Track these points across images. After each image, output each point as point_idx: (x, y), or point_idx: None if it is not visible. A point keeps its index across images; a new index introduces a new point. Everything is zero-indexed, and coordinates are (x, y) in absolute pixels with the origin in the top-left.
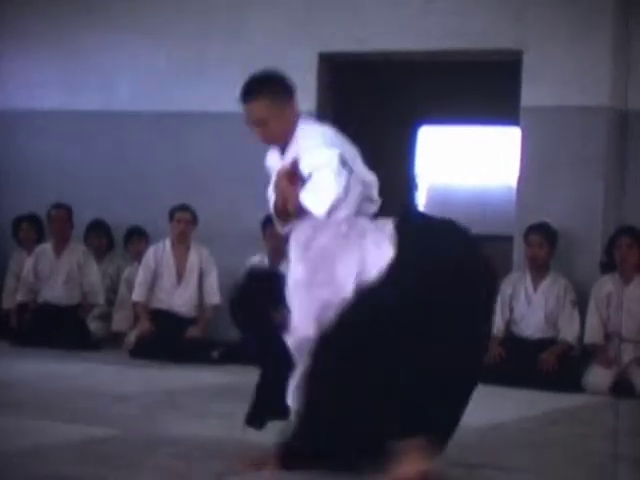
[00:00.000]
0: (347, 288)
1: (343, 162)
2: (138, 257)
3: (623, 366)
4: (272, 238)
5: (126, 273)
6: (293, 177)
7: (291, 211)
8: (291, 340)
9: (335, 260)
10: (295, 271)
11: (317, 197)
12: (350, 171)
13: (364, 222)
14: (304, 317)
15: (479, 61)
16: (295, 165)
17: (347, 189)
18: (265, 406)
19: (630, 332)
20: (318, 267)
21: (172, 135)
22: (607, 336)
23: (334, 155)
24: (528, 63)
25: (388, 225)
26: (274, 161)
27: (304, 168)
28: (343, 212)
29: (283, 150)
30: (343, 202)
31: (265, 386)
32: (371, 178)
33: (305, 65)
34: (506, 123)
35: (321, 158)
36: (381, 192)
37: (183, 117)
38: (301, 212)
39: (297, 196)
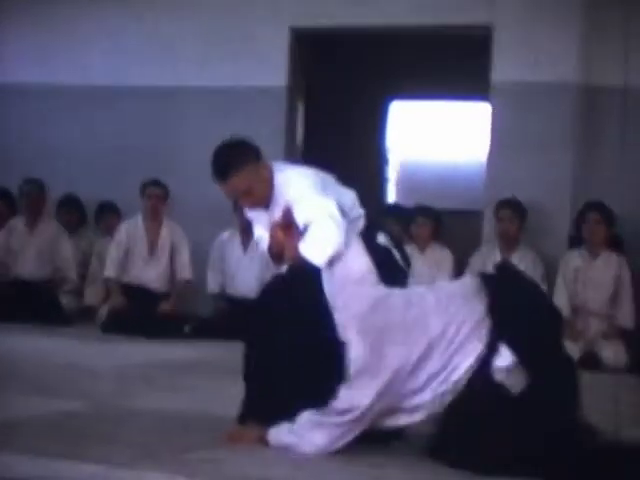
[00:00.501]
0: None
1: (341, 210)
2: (110, 232)
3: (590, 339)
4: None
5: (98, 248)
6: (288, 228)
7: (288, 260)
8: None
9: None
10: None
11: (317, 248)
12: (346, 217)
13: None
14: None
15: (450, 36)
16: (288, 215)
17: (347, 238)
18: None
19: (597, 306)
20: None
21: (144, 110)
22: (574, 310)
23: (331, 205)
24: (498, 39)
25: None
26: (257, 214)
27: (299, 219)
28: (356, 260)
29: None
30: (343, 253)
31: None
32: (350, 197)
33: (276, 40)
34: (476, 98)
35: (318, 209)
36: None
37: (155, 92)
38: (300, 261)
39: (295, 247)
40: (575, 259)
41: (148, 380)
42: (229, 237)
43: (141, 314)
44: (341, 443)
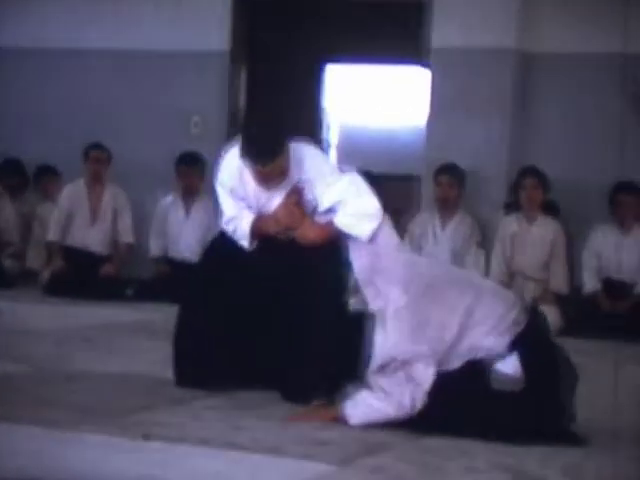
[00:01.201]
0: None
1: None
2: (49, 196)
3: None
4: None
5: (39, 211)
6: (298, 205)
7: (301, 235)
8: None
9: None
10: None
11: (363, 222)
12: None
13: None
14: (401, 339)
15: (389, 1)
16: (299, 192)
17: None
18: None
19: (533, 270)
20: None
21: (86, 73)
22: (511, 274)
23: (359, 179)
24: (437, 4)
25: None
26: (250, 188)
27: (329, 198)
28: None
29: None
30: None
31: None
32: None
33: (217, 4)
34: (416, 63)
35: (349, 185)
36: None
37: (97, 56)
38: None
39: (311, 224)
40: (512, 224)
41: (90, 342)
42: (171, 201)
43: (83, 277)
44: (421, 393)
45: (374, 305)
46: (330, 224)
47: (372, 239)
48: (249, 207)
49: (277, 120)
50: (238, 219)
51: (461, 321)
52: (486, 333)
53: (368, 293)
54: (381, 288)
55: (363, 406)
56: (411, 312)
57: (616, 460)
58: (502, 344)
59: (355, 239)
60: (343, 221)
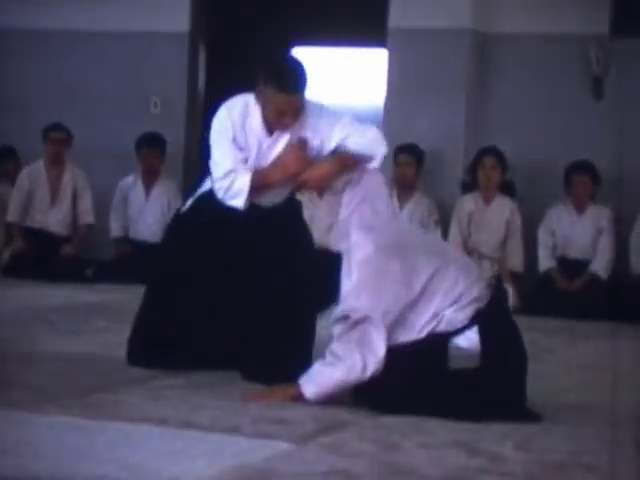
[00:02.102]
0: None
1: None
2: (8, 177)
3: None
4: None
5: None
6: (305, 151)
7: (308, 183)
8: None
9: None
10: (364, 247)
11: (373, 145)
12: None
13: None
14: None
15: None
16: (304, 139)
17: None
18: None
19: (489, 249)
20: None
21: (45, 54)
22: (467, 253)
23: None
24: None
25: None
26: (252, 135)
27: (332, 139)
28: None
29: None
30: None
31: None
32: None
33: None
34: (375, 45)
35: (351, 123)
36: None
37: (58, 36)
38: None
39: (318, 164)
40: (469, 203)
41: (50, 323)
42: (132, 181)
43: (43, 258)
44: (374, 358)
45: (341, 245)
46: (338, 156)
47: (367, 183)
48: (245, 161)
49: (303, 65)
50: (236, 173)
51: (425, 283)
52: (450, 303)
53: (340, 233)
54: (352, 231)
55: (316, 376)
56: (375, 262)
57: (570, 435)
58: (464, 318)
59: (352, 182)
60: (355, 147)
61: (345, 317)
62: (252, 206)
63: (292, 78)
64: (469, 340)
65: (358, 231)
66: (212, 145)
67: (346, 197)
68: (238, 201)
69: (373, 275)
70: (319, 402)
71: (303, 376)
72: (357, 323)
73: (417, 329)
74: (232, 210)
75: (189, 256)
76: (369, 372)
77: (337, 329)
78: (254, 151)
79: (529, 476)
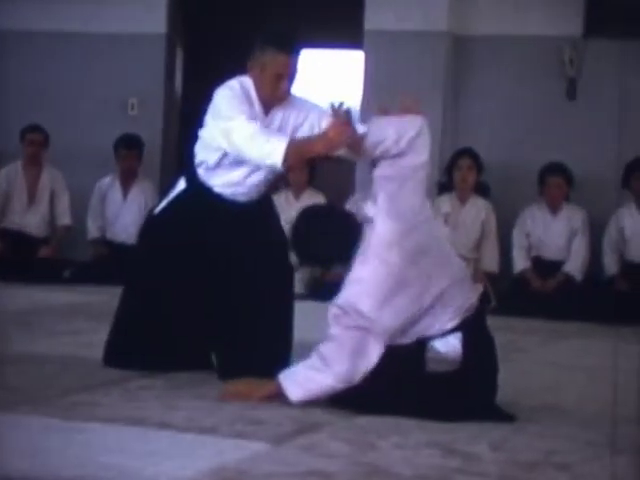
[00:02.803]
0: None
1: None
2: None
3: None
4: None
5: None
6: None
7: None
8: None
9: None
10: (382, 227)
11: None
12: None
13: None
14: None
15: None
16: (349, 115)
17: None
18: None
19: (464, 250)
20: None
21: (22, 55)
22: None
23: None
24: None
25: None
26: (256, 112)
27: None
28: None
29: (266, 108)
30: None
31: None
32: None
33: None
34: (351, 46)
35: None
36: None
37: (35, 36)
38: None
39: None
40: (445, 204)
41: (27, 325)
42: (109, 182)
43: (20, 259)
44: (365, 365)
45: (368, 211)
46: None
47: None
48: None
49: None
50: (269, 134)
51: (433, 300)
52: (447, 316)
53: (372, 199)
54: (380, 214)
55: (303, 380)
56: (397, 272)
57: (544, 435)
58: (451, 325)
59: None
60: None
61: (345, 313)
62: (227, 202)
63: (290, 38)
64: (448, 345)
65: (387, 217)
66: (227, 112)
67: (392, 166)
68: (275, 157)
69: (391, 287)
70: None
71: (285, 375)
72: (358, 329)
73: (409, 336)
74: (208, 209)
75: (164, 257)
76: (357, 379)
77: (334, 327)
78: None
79: (503, 476)
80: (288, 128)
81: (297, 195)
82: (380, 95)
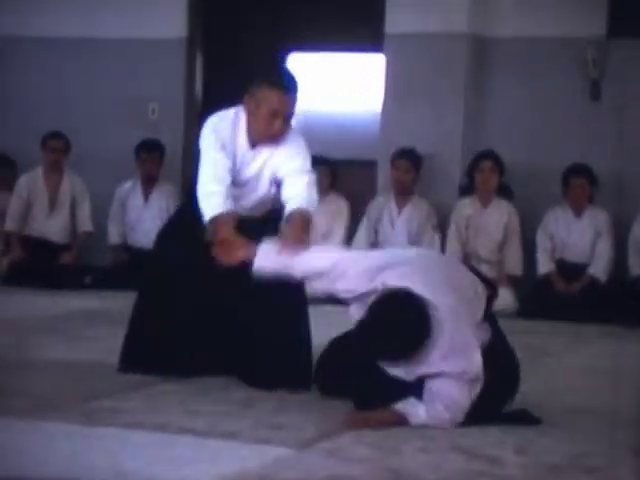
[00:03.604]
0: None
1: None
2: (5, 185)
3: None
4: None
5: None
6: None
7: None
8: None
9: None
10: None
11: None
12: None
13: None
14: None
15: None
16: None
17: None
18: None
19: (487, 253)
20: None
21: (43, 61)
22: (465, 257)
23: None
24: None
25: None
26: (239, 147)
27: (275, 171)
28: None
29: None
30: None
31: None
32: None
33: None
34: (372, 50)
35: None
36: None
37: (54, 43)
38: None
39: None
40: (467, 207)
41: (49, 331)
42: (130, 187)
43: (42, 266)
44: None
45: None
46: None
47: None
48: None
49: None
50: (216, 196)
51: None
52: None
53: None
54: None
55: (426, 412)
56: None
57: (569, 438)
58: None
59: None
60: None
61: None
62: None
63: (286, 76)
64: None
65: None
66: (202, 151)
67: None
68: (205, 216)
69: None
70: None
71: (406, 405)
72: (472, 381)
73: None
74: None
75: (180, 261)
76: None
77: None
78: (237, 162)
79: (528, 479)
80: (267, 171)
81: (319, 199)
82: (401, 98)
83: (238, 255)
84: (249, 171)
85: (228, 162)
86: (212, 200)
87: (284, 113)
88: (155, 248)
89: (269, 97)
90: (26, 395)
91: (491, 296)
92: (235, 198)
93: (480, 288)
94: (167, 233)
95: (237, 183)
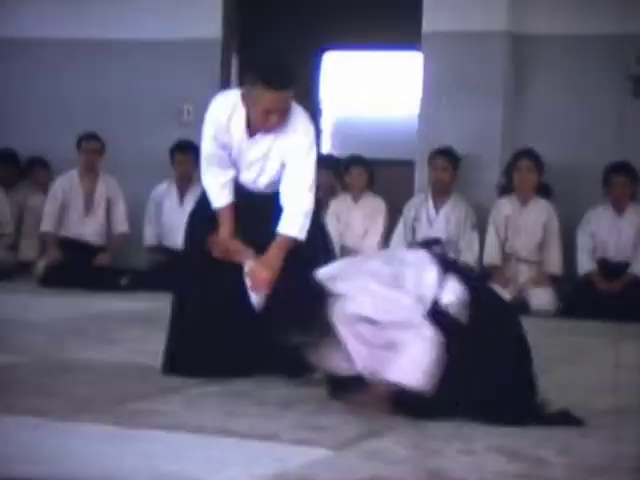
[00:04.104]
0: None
1: None
2: (40, 187)
3: (519, 285)
4: None
5: (30, 202)
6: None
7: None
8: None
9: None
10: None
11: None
12: None
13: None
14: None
15: None
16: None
17: None
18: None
19: (526, 253)
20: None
21: (78, 63)
22: (505, 257)
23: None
24: None
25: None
26: (234, 134)
27: (283, 156)
28: None
29: (251, 129)
30: None
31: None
32: None
33: None
34: (409, 48)
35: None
36: None
37: (89, 45)
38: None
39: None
40: (506, 206)
41: (85, 333)
42: (166, 189)
43: (78, 268)
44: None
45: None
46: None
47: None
48: (227, 154)
49: (291, 64)
50: (216, 187)
51: None
52: None
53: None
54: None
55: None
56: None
57: (614, 438)
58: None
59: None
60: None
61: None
62: (246, 194)
63: (279, 75)
64: (452, 291)
65: None
66: (202, 140)
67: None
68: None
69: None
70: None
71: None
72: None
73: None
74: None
75: (208, 257)
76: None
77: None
78: (234, 150)
79: None
80: (274, 154)
81: (356, 199)
82: (439, 97)
83: (233, 258)
84: (253, 155)
85: (220, 152)
86: (211, 192)
87: (279, 110)
88: (184, 246)
89: (263, 97)
90: (64, 397)
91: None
92: (246, 180)
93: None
94: (188, 228)
95: (241, 167)
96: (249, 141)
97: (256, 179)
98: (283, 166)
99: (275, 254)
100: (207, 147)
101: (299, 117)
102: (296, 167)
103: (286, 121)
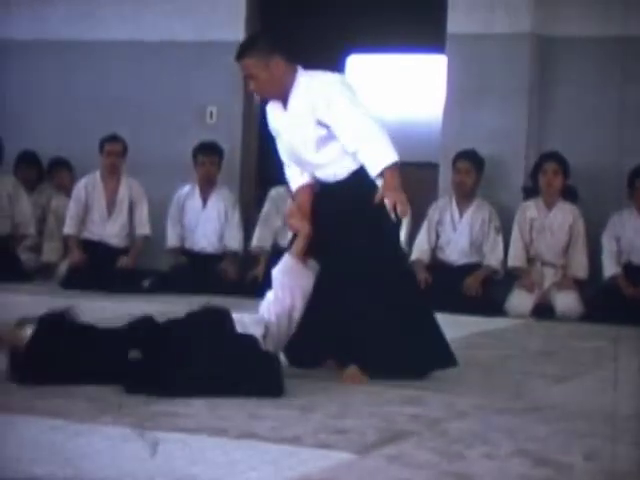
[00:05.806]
0: None
1: None
2: (62, 189)
3: (544, 289)
4: None
5: (53, 204)
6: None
7: None
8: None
9: None
10: None
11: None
12: None
13: None
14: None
15: None
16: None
17: None
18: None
19: (551, 256)
20: None
21: (101, 65)
22: (529, 260)
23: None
24: None
25: None
26: (277, 118)
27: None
28: None
29: (284, 104)
30: None
31: None
32: None
33: None
34: (434, 51)
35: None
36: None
37: (112, 46)
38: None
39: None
40: (531, 209)
41: None
42: (189, 191)
43: (100, 270)
44: None
45: None
46: None
47: None
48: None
49: (260, 37)
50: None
51: None
52: None
53: None
54: None
55: None
56: None
57: (638, 444)
58: None
59: None
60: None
61: None
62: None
63: (238, 48)
64: None
65: None
66: None
67: None
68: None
69: None
70: None
71: None
72: None
73: None
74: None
75: None
76: None
77: None
78: (282, 130)
79: None
80: (310, 117)
81: None
82: (463, 99)
83: (294, 225)
84: (289, 131)
85: (283, 146)
86: (290, 182)
87: (247, 76)
88: None
89: None
90: (83, 399)
91: None
92: (312, 168)
93: None
94: None
95: (292, 153)
96: (284, 114)
97: (312, 155)
98: (325, 127)
99: (388, 182)
100: (279, 148)
101: (314, 75)
102: (337, 108)
103: (289, 87)
